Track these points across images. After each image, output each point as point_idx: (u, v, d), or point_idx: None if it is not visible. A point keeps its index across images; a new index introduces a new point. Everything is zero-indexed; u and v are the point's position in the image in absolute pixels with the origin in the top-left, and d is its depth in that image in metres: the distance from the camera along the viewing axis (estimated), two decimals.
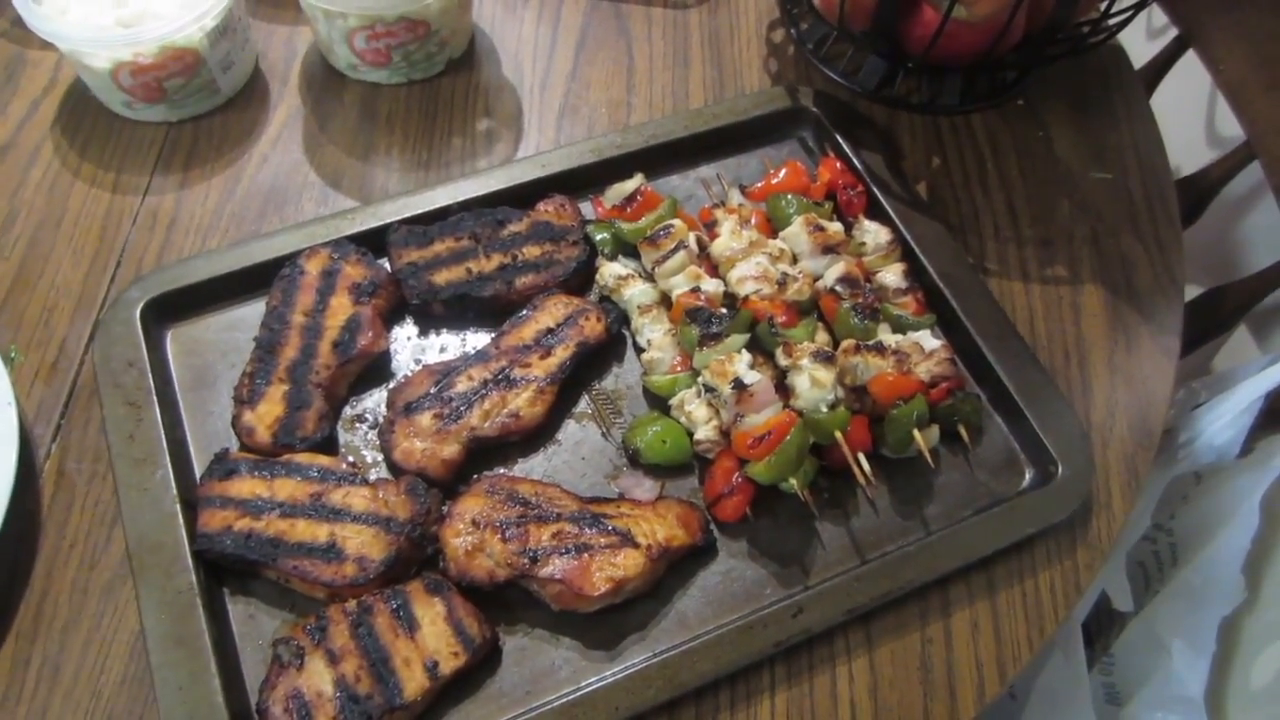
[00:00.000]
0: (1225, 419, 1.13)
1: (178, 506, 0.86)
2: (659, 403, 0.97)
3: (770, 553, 0.91)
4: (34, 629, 0.85)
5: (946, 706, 0.85)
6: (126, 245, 1.07)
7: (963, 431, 0.95)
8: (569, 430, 0.97)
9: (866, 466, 0.89)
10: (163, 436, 0.90)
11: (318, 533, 0.85)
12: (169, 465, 0.88)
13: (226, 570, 0.87)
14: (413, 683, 0.79)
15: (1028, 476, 0.96)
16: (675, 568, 0.89)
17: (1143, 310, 1.08)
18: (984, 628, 0.89)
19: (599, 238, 1.06)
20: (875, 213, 1.08)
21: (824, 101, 1.16)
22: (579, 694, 0.81)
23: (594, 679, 0.82)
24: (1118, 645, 1.38)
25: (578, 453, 0.96)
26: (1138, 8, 1.07)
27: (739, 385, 0.88)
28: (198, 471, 0.91)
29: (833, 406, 0.89)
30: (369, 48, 1.16)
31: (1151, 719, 1.28)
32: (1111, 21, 1.08)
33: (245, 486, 0.87)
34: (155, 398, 0.92)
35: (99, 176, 1.12)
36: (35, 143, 1.15)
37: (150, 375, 0.93)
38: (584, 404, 0.98)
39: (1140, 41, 1.59)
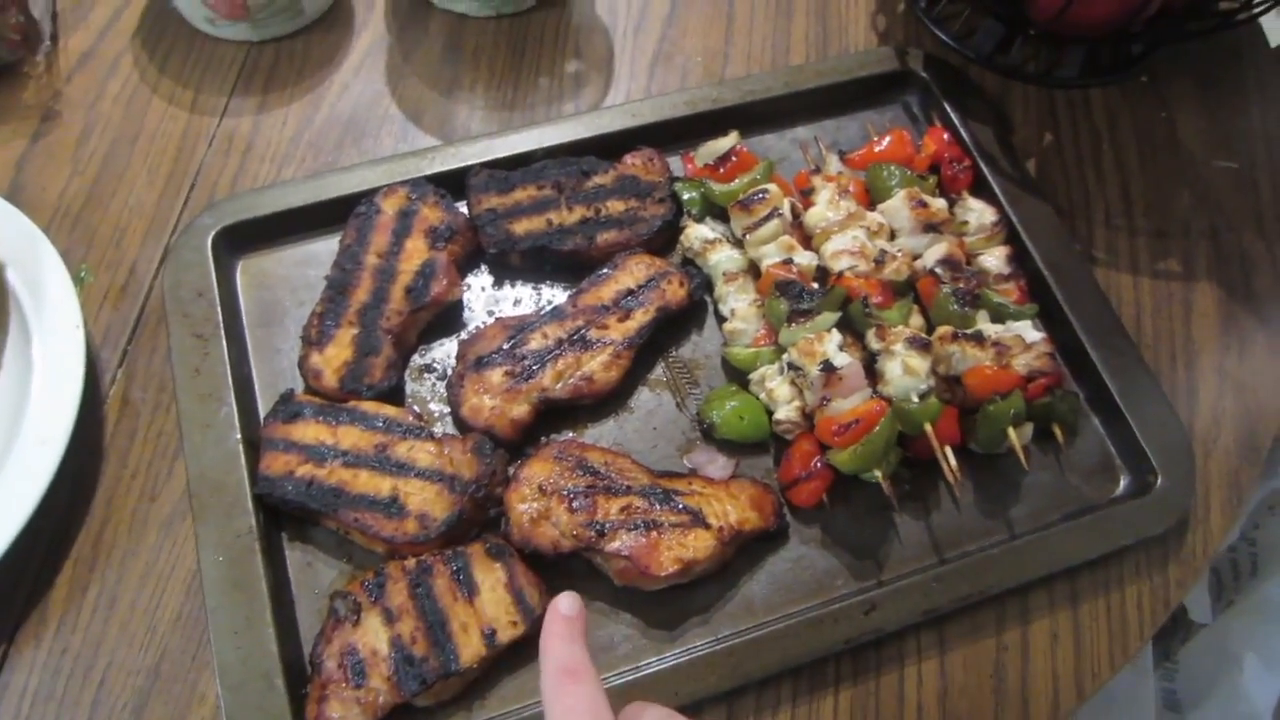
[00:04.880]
0: None
1: (240, 446, 0.85)
2: (738, 376, 0.93)
3: (844, 542, 0.87)
4: (93, 556, 0.84)
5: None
6: (201, 168, 1.04)
7: (1057, 431, 0.91)
8: (642, 397, 0.93)
9: (954, 461, 0.84)
10: (229, 373, 0.88)
11: (380, 486, 0.83)
12: (234, 403, 0.86)
13: (285, 516, 0.85)
14: (469, 649, 0.77)
15: (1122, 483, 0.92)
16: (744, 550, 0.86)
17: (1260, 314, 1.01)
18: (1064, 639, 0.86)
19: (686, 197, 1.00)
20: (980, 190, 1.01)
21: (934, 66, 1.09)
22: (639, 674, 0.78)
23: (654, 659, 0.80)
24: (1183, 652, 1.33)
25: (649, 422, 0.92)
26: None
27: (828, 367, 0.83)
28: (262, 411, 0.89)
29: (924, 396, 0.85)
30: None
31: None
32: None
33: (309, 431, 0.85)
34: (223, 331, 0.90)
35: (177, 94, 1.09)
36: (116, 53, 1.11)
37: (219, 308, 0.91)
38: (659, 371, 0.94)
39: (1271, 18, 1.48)
